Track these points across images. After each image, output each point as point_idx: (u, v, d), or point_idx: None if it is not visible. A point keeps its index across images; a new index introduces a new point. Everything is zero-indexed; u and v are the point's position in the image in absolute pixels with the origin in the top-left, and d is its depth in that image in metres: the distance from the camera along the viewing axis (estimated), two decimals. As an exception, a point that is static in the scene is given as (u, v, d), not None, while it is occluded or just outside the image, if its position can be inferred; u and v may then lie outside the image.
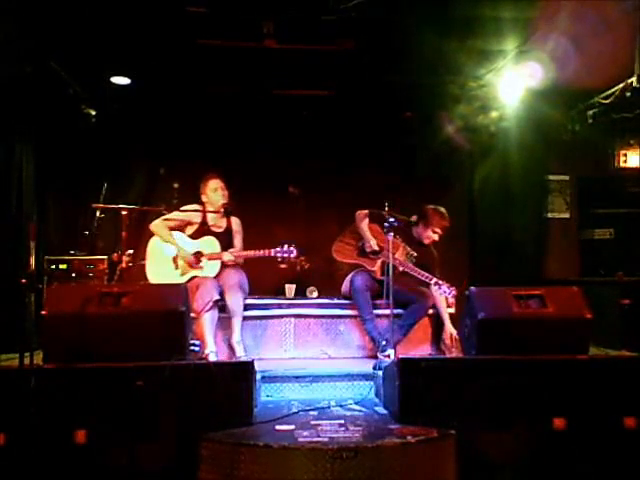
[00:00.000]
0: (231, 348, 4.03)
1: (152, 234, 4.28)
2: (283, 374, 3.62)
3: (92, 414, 2.75)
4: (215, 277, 4.12)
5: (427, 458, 2.68)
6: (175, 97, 5.16)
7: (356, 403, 3.39)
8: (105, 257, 4.67)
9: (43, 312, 3.03)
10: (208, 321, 3.92)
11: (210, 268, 4.15)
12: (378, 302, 4.20)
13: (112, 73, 4.82)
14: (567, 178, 5.90)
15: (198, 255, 4.19)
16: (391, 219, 3.77)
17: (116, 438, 2.72)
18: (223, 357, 4.01)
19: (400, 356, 3.21)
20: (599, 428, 2.90)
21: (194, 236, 4.29)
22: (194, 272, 4.16)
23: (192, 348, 3.51)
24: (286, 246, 4.13)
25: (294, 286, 4.93)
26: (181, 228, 4.32)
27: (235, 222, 4.44)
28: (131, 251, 3.98)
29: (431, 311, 4.38)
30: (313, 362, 4.11)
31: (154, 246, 4.27)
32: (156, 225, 4.23)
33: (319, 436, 2.70)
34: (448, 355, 4.17)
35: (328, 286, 4.88)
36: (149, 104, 5.26)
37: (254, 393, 3.05)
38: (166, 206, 4.20)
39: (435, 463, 2.72)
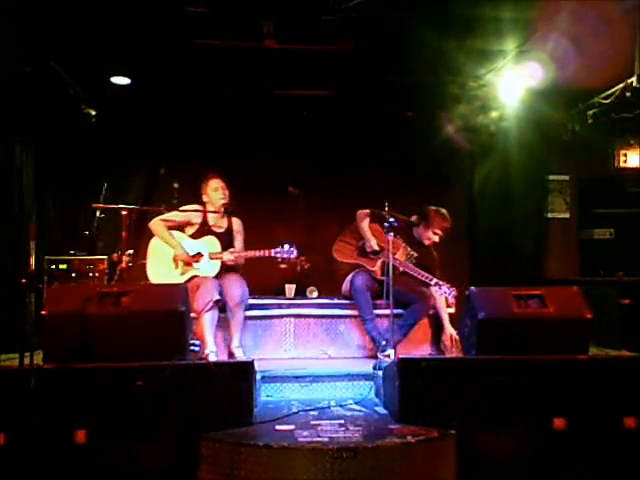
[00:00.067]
0: (230, 353, 4.03)
1: (152, 234, 4.28)
2: (283, 374, 3.62)
3: (92, 414, 2.75)
4: (216, 277, 4.12)
5: (427, 458, 2.68)
6: (175, 97, 5.16)
7: (356, 403, 3.39)
8: (105, 257, 4.67)
9: (43, 312, 3.03)
10: (208, 321, 3.92)
11: (210, 267, 4.15)
12: (378, 302, 4.20)
13: (112, 73, 4.82)
14: (567, 178, 5.90)
15: (198, 256, 4.19)
16: (391, 219, 3.77)
17: (116, 438, 2.72)
18: (223, 357, 4.01)
19: (400, 356, 3.21)
20: (599, 428, 2.90)
21: (195, 236, 4.28)
22: (194, 271, 4.16)
23: (192, 348, 3.51)
24: (286, 246, 4.13)
25: (294, 286, 4.93)
26: (181, 228, 4.31)
27: (236, 222, 4.44)
28: (131, 251, 3.98)
29: (431, 311, 4.38)
30: (313, 362, 4.11)
31: (155, 246, 4.27)
32: (154, 223, 4.22)
33: (319, 436, 2.70)
34: (448, 355, 4.18)
35: (328, 286, 4.88)
36: (149, 104, 5.27)
37: (254, 393, 3.04)
38: (166, 206, 4.20)
39: (435, 463, 2.72)
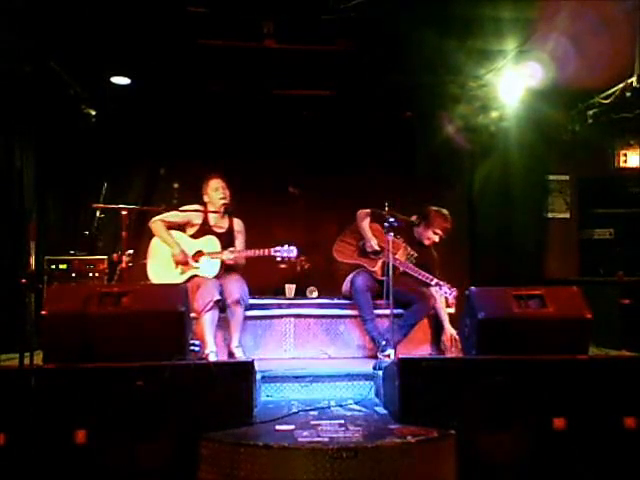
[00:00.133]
0: (230, 353, 4.03)
1: (152, 234, 4.28)
2: (283, 374, 3.62)
3: (92, 414, 2.75)
4: (216, 277, 4.12)
5: (427, 458, 2.68)
6: (175, 97, 5.16)
7: (356, 403, 3.38)
8: (105, 257, 4.67)
9: (43, 312, 3.02)
10: (208, 321, 3.92)
11: (210, 267, 4.15)
12: (378, 302, 4.20)
13: (112, 73, 4.82)
14: (567, 178, 5.90)
15: (198, 255, 4.19)
16: (391, 219, 3.77)
17: (116, 438, 2.72)
18: (223, 357, 4.01)
19: (400, 356, 3.21)
20: (599, 428, 2.90)
21: (195, 236, 4.28)
22: (194, 271, 4.16)
23: (192, 348, 3.51)
24: (286, 245, 4.13)
25: (294, 286, 4.93)
26: (182, 228, 4.32)
27: (237, 223, 4.44)
28: (131, 251, 3.98)
29: (431, 311, 4.37)
30: (313, 362, 4.11)
31: (155, 245, 4.27)
32: (154, 223, 4.23)
33: (319, 436, 2.70)
34: (448, 355, 4.18)
35: (328, 286, 4.88)
36: (149, 104, 5.26)
37: (254, 393, 3.04)
38: (166, 206, 4.21)
39: (435, 463, 2.72)
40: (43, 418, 2.70)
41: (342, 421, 2.97)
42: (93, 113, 5.04)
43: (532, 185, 5.65)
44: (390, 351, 3.92)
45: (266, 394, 3.54)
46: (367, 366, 3.76)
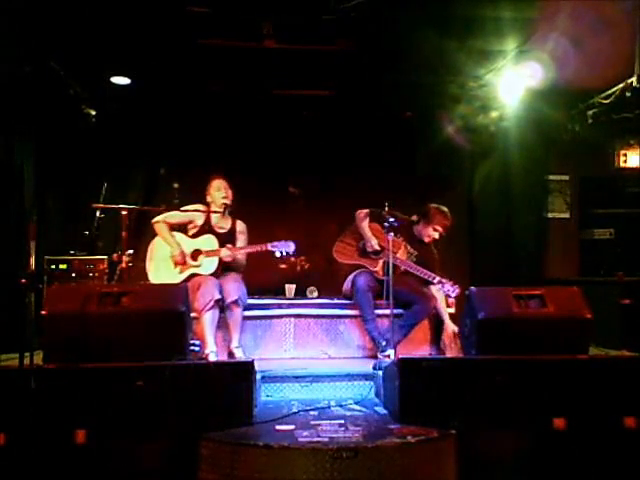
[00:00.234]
0: (230, 353, 4.03)
1: (153, 234, 4.29)
2: (283, 374, 3.62)
3: (92, 414, 2.75)
4: (215, 276, 4.12)
5: (427, 458, 2.68)
6: (175, 97, 5.17)
7: (356, 403, 3.38)
8: (105, 257, 4.67)
9: (43, 312, 3.03)
10: (209, 320, 3.92)
11: (207, 265, 4.15)
12: (379, 302, 4.19)
13: (112, 73, 4.82)
14: (567, 178, 5.90)
15: (196, 253, 4.19)
16: (391, 219, 3.76)
17: (116, 438, 2.72)
18: (223, 357, 4.01)
19: (400, 356, 3.21)
20: (599, 428, 2.90)
21: (195, 236, 4.28)
22: (192, 270, 4.16)
23: (192, 348, 3.51)
24: (283, 240, 4.12)
25: (294, 286, 4.93)
26: (184, 228, 4.32)
27: (240, 224, 4.44)
28: (131, 251, 3.99)
29: (432, 311, 4.37)
30: (313, 362, 4.11)
31: (155, 245, 4.27)
32: (157, 223, 4.23)
33: (319, 436, 2.70)
34: (448, 353, 4.18)
35: (328, 286, 4.88)
36: (149, 104, 5.27)
37: (254, 393, 3.04)
38: (166, 206, 4.21)
39: (435, 463, 2.72)
40: (43, 418, 2.70)
41: (342, 421, 2.97)
42: (93, 113, 5.03)
43: (532, 185, 5.65)
44: (390, 351, 3.92)
45: (266, 394, 3.53)
46: (367, 366, 3.76)
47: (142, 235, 4.62)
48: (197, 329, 3.89)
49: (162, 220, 4.22)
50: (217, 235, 4.26)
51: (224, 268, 4.21)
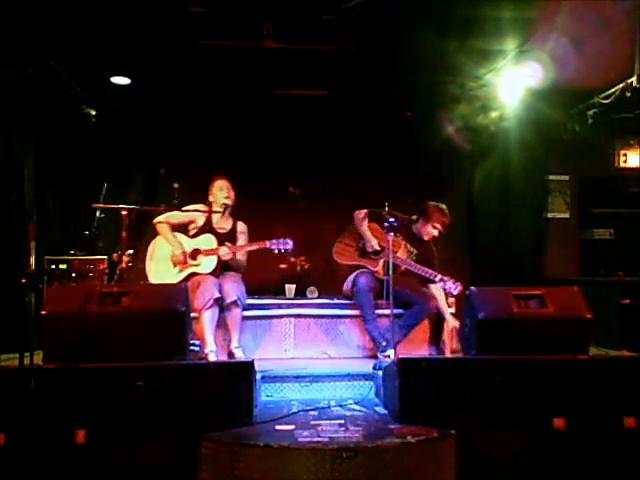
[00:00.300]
0: (230, 353, 4.03)
1: (153, 234, 4.29)
2: (283, 374, 3.62)
3: (92, 414, 2.75)
4: (213, 274, 4.12)
5: (427, 458, 2.68)
6: (175, 97, 5.16)
7: (356, 403, 3.38)
8: (105, 257, 4.67)
9: (43, 312, 3.03)
10: (208, 319, 3.92)
11: (206, 264, 4.15)
12: (379, 302, 4.19)
13: (112, 73, 4.82)
14: (567, 178, 5.90)
15: (195, 253, 4.19)
16: (391, 219, 3.76)
17: (116, 438, 2.72)
18: (223, 357, 4.01)
19: (400, 356, 3.20)
20: (599, 428, 2.90)
21: (195, 236, 4.28)
22: (191, 269, 4.16)
23: (192, 348, 3.51)
24: (282, 238, 4.13)
25: (294, 286, 4.92)
26: (185, 228, 4.32)
27: (241, 224, 4.45)
28: (131, 251, 3.98)
29: (433, 311, 4.37)
30: (313, 362, 4.10)
31: (155, 245, 4.28)
32: (159, 223, 4.24)
33: (319, 436, 2.70)
34: (448, 350, 4.18)
35: (328, 286, 4.88)
36: (149, 104, 5.27)
37: (254, 393, 3.04)
38: (166, 206, 4.21)
39: (435, 463, 2.72)
40: (43, 418, 2.70)
41: (342, 421, 2.97)
42: (93, 113, 5.04)
43: (532, 185, 5.65)
44: (390, 351, 3.92)
45: (266, 394, 3.53)
46: (367, 366, 3.76)
47: (142, 235, 4.62)
48: (197, 329, 3.89)
49: (164, 220, 4.22)
50: (218, 235, 4.26)
51: (223, 267, 4.21)
